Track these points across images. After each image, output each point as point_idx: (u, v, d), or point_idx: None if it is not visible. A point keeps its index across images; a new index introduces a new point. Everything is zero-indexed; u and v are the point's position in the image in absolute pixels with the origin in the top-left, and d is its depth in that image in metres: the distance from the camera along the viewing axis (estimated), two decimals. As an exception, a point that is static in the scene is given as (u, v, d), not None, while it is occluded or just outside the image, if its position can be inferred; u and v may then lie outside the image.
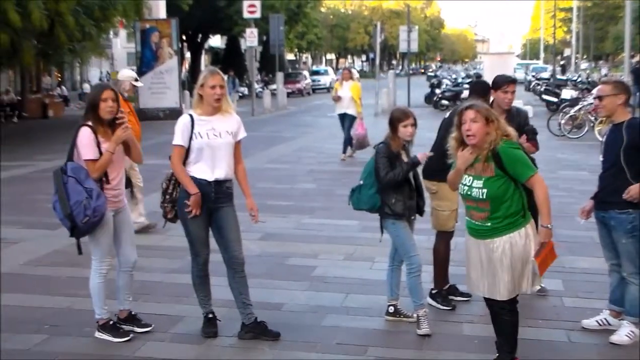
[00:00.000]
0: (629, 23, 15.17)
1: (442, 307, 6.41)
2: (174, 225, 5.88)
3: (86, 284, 5.75)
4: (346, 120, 16.30)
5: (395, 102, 31.01)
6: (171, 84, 29.09)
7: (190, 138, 5.49)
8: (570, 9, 75.70)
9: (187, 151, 5.52)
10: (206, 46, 58.03)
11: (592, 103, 20.97)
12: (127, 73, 9.35)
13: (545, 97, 29.00)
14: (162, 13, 34.58)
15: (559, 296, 6.73)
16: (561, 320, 6.16)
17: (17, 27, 20.17)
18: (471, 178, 4.81)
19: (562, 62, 65.13)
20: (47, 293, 6.89)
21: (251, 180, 5.95)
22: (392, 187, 5.78)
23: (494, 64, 27.34)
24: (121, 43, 67.70)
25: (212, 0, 43.00)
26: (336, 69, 78.86)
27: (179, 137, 5.51)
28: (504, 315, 4.92)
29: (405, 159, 5.83)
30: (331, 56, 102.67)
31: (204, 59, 61.78)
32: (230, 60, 50.09)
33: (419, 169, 6.02)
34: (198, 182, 5.50)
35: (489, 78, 7.23)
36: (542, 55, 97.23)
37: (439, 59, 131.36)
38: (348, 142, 16.25)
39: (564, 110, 22.02)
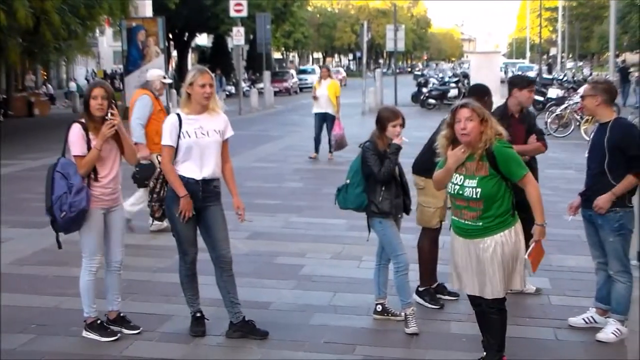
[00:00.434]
0: (613, 23, 15.22)
1: (430, 305, 6.43)
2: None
3: (73, 283, 5.74)
4: (327, 120, 15.96)
5: (382, 101, 31.08)
6: (158, 82, 28.93)
7: (178, 137, 5.48)
8: (555, 9, 76.23)
9: (175, 150, 5.51)
10: (193, 45, 57.87)
11: (577, 102, 21.16)
12: (155, 72, 9.41)
13: (531, 95, 29.06)
14: (148, 11, 34.45)
15: (546, 294, 6.76)
16: (548, 319, 6.19)
17: (2, 25, 20.06)
18: (462, 177, 4.80)
19: (549, 62, 65.42)
20: (34, 292, 6.86)
21: (239, 179, 5.96)
22: (380, 184, 5.79)
23: (480, 63, 27.38)
24: (107, 41, 67.38)
25: (198, -2, 42.92)
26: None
27: (168, 137, 5.50)
28: (493, 313, 4.92)
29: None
30: (318, 55, 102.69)
31: (191, 57, 61.60)
32: (217, 59, 50.01)
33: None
34: (186, 180, 5.50)
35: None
36: (528, 54, 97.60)
37: (425, 58, 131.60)
38: (329, 140, 15.91)
39: (550, 109, 22.15)
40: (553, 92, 26.83)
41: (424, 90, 33.93)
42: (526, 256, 4.80)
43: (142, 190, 8.42)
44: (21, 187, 12.49)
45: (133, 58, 29.17)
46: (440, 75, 49.19)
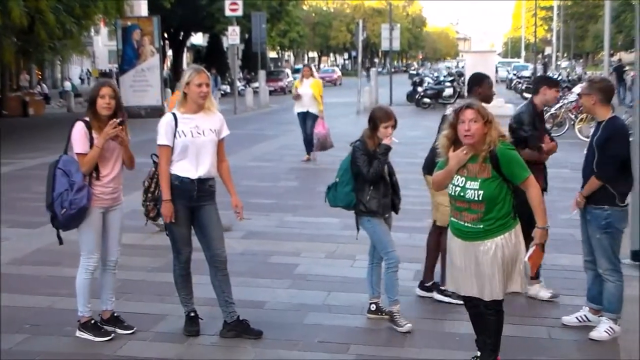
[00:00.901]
0: (608, 22, 15.28)
1: (455, 301, 6.19)
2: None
3: (67, 283, 5.74)
4: (308, 120, 15.39)
5: (377, 100, 31.08)
6: (153, 81, 28.97)
7: (174, 136, 5.49)
8: (550, 8, 76.28)
9: (171, 149, 5.51)
10: (188, 44, 57.81)
11: (572, 101, 21.20)
12: None
13: (526, 95, 29.11)
14: (143, 11, 34.54)
15: (539, 293, 6.77)
16: (542, 317, 6.20)
17: (-3, 25, 20.05)
18: (464, 179, 4.73)
19: (544, 61, 65.50)
20: (28, 292, 6.85)
21: (234, 178, 5.96)
22: (369, 184, 5.79)
23: (475, 62, 27.41)
24: (102, 41, 67.38)
25: (194, -2, 42.88)
26: (318, 67, 78.91)
27: (164, 137, 5.51)
28: (491, 315, 4.89)
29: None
30: (313, 54, 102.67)
31: (186, 57, 61.60)
32: (212, 58, 50.00)
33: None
34: (181, 179, 5.50)
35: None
36: (523, 53, 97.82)
37: (421, 57, 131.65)
38: (310, 141, 15.44)
39: (545, 109, 22.15)
40: (548, 91, 26.85)
41: (419, 89, 33.95)
42: (526, 259, 4.76)
43: None
44: (17, 187, 12.47)
45: (128, 57, 29.20)
46: (435, 74, 49.18)
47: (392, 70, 43.17)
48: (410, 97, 34.52)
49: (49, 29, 22.84)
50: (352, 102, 30.57)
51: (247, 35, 44.79)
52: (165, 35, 45.50)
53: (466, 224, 4.76)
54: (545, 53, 78.14)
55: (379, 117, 5.82)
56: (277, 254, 8.21)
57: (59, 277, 7.12)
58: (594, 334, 5.69)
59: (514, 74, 48.00)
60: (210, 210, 5.65)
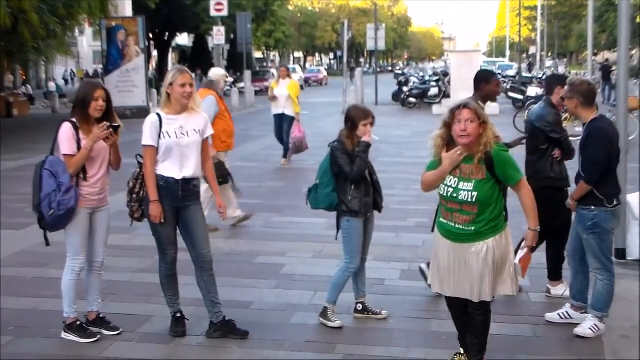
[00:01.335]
0: (591, 21, 15.37)
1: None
2: (141, 224, 5.86)
3: (52, 284, 5.71)
4: (284, 122, 15.04)
5: (363, 100, 31.10)
6: (138, 82, 28.87)
7: (159, 137, 5.48)
8: (535, 8, 76.68)
9: (156, 150, 5.50)
10: (173, 44, 57.71)
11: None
12: (219, 72, 9.53)
13: (511, 94, 29.24)
14: (128, 11, 34.42)
15: (525, 292, 6.78)
16: (527, 315, 6.23)
17: (-21, 25, 19.92)
18: (456, 180, 4.70)
19: (530, 60, 65.79)
20: (12, 294, 6.80)
21: (219, 179, 5.95)
22: (350, 183, 5.78)
23: (461, 61, 27.48)
24: (87, 41, 67.13)
25: (179, -2, 42.79)
26: (304, 67, 78.91)
27: (149, 137, 5.50)
28: (479, 316, 4.88)
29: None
30: (299, 54, 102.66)
31: (171, 57, 61.45)
32: (197, 59, 49.95)
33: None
34: (166, 180, 5.50)
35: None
36: (507, 53, 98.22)
37: (406, 57, 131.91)
38: (286, 144, 15.27)
39: (530, 108, 22.24)
40: (532, 91, 26.93)
41: (405, 89, 34.00)
42: (516, 261, 4.77)
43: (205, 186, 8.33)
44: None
45: (113, 58, 29.08)
46: (421, 74, 49.27)
47: (378, 70, 43.19)
48: (396, 96, 34.56)
49: (32, 29, 22.71)
50: (337, 102, 30.57)
51: (232, 36, 44.76)
52: (151, 35, 45.36)
53: (457, 226, 4.74)
54: (530, 52, 78.52)
55: (357, 116, 5.81)
56: (264, 254, 8.20)
57: (44, 278, 7.09)
58: (579, 330, 5.71)
59: (499, 74, 48.15)
60: (195, 211, 5.64)
